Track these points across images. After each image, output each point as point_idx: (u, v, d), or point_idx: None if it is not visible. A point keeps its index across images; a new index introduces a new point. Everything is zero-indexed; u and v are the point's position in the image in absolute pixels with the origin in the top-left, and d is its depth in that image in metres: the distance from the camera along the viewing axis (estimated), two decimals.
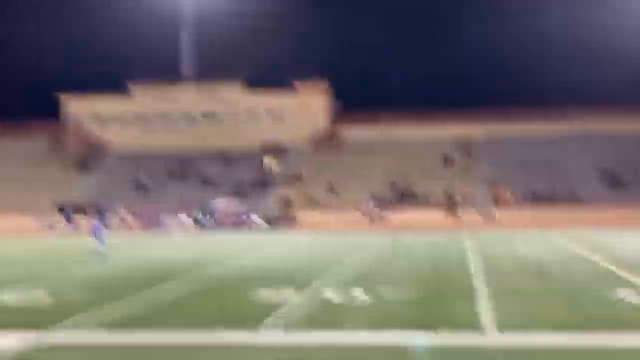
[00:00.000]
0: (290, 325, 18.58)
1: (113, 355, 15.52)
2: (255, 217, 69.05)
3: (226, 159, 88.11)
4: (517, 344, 16.06)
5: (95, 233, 35.74)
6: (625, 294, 22.74)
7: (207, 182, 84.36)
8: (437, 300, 22.51)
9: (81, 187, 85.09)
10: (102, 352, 15.87)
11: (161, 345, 16.38)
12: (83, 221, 67.39)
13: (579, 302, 21.73)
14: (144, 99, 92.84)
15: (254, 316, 19.80)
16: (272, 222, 68.94)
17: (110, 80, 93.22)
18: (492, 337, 16.81)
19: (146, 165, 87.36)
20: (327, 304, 22.05)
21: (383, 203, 76.32)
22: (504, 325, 17.91)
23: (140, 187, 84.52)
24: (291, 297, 23.05)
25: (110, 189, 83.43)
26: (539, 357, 14.88)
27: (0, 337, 17.38)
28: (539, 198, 76.03)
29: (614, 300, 21.90)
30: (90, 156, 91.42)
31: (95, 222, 40.61)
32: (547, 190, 76.53)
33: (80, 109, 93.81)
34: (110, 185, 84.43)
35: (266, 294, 23.75)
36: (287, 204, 78.98)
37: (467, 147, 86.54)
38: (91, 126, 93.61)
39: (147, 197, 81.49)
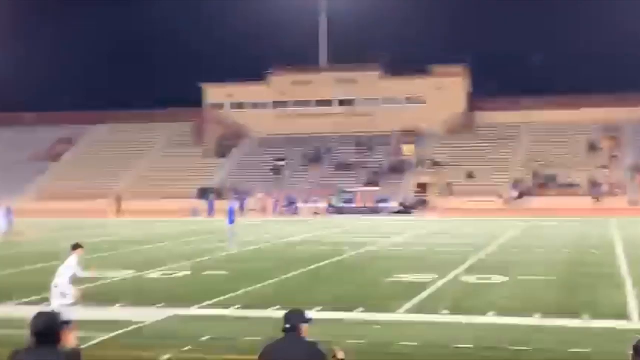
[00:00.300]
0: (433, 306, 18.56)
1: (256, 325, 15.90)
2: (391, 203, 68.92)
3: (362, 144, 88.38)
4: None
5: (230, 215, 36.49)
6: None
7: (343, 167, 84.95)
8: (581, 285, 21.90)
9: (220, 172, 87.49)
10: (241, 323, 16.30)
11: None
12: (222, 204, 69.28)
13: None
14: (281, 86, 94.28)
15: (396, 296, 19.86)
16: (408, 207, 68.59)
17: (248, 68, 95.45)
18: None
19: (283, 150, 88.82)
20: (468, 287, 21.86)
21: (523, 189, 74.71)
22: None
23: (277, 172, 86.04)
24: (432, 280, 22.97)
25: (248, 173, 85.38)
26: None
27: (146, 310, 18.19)
28: None
29: None
30: (229, 142, 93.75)
31: (230, 204, 41.48)
32: None
33: (220, 96, 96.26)
34: (248, 170, 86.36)
35: (407, 277, 23.75)
36: (424, 189, 78.52)
37: (613, 132, 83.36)
38: (230, 113, 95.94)
39: (284, 181, 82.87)
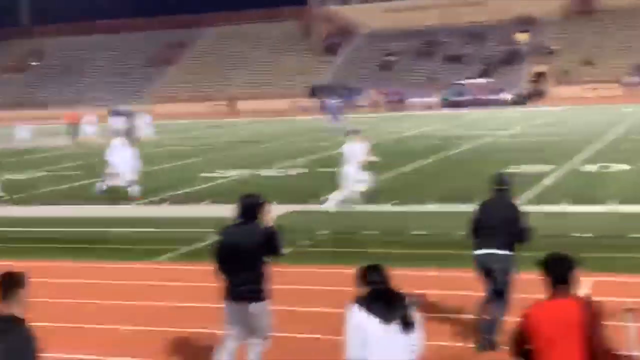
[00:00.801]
0: (552, 197, 18.32)
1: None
2: (505, 93, 67.34)
3: (474, 34, 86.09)
4: None
5: (332, 111, 36.14)
6: None
7: (454, 60, 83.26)
8: None
9: (329, 69, 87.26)
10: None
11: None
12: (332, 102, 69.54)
13: None
14: None
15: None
16: (523, 97, 66.90)
17: None
18: None
19: (392, 45, 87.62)
20: (588, 176, 21.41)
21: None
22: None
23: (387, 67, 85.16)
24: (551, 170, 22.59)
25: (357, 69, 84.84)
26: None
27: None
28: None
29: None
30: (337, 38, 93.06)
31: (332, 101, 41.08)
32: None
33: None
34: (358, 66, 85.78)
35: (525, 168, 23.41)
36: (539, 78, 76.35)
37: None
38: (337, 9, 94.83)
39: (394, 76, 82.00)
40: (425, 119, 52.75)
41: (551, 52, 79.64)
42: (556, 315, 5.34)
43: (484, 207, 8.85)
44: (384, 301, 5.64)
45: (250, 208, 7.75)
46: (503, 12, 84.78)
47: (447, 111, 61.51)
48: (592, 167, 22.91)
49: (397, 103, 69.88)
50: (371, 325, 5.55)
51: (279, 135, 42.42)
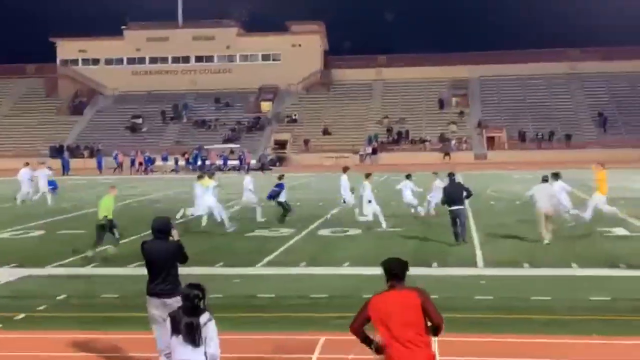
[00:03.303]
0: (291, 259, 19.10)
1: None
2: (249, 159, 69.04)
3: (220, 101, 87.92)
4: (500, 274, 16.88)
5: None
6: (611, 228, 23.32)
7: (201, 125, 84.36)
8: (433, 234, 22.93)
9: (75, 129, 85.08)
10: None
11: None
12: (75, 162, 67.75)
13: (571, 238, 22.15)
14: (137, 41, 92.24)
15: (256, 251, 20.27)
16: (266, 163, 68.95)
17: (103, 22, 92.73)
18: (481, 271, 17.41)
19: (140, 107, 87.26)
20: (324, 240, 22.53)
21: (377, 144, 76.61)
22: (490, 262, 18.45)
23: (134, 129, 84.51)
24: (290, 234, 23.53)
25: (103, 130, 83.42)
26: (516, 283, 15.36)
27: None
28: (532, 139, 76.42)
29: (604, 236, 22.39)
30: (83, 98, 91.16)
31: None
32: (540, 131, 76.82)
33: (73, 52, 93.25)
34: (104, 127, 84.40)
35: (265, 232, 24.19)
36: (282, 146, 79.21)
37: (461, 90, 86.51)
38: (85, 69, 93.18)
39: (141, 138, 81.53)
40: (170, 182, 52.79)
41: (294, 121, 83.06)
42: (398, 300, 6.97)
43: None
44: (184, 313, 7.36)
45: (164, 227, 9.94)
46: (248, 81, 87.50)
47: (193, 175, 61.81)
48: (326, 232, 24.15)
49: (144, 166, 69.24)
50: (170, 329, 7.42)
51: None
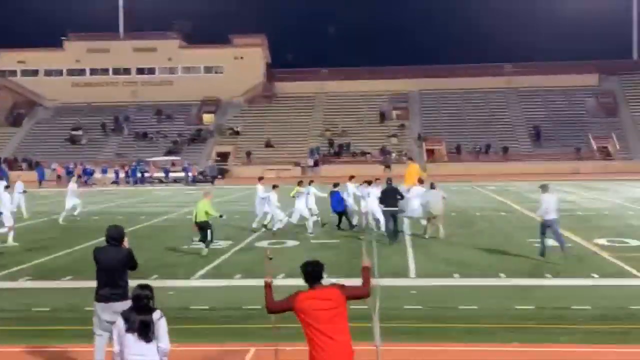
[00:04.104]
0: (227, 272, 19.24)
1: None
2: (190, 171, 68.84)
3: (162, 113, 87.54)
4: (430, 284, 17.31)
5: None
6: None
7: (142, 137, 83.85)
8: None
9: (13, 141, 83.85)
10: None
11: None
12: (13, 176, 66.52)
13: (501, 248, 22.72)
14: (77, 52, 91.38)
15: (191, 263, 20.36)
16: (211, 176, 68.78)
17: (43, 33, 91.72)
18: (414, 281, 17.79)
19: (80, 119, 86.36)
20: (260, 252, 22.70)
21: (319, 157, 77.07)
22: (422, 273, 18.86)
23: (74, 141, 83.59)
24: (228, 246, 23.68)
25: (42, 143, 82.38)
26: (445, 293, 15.77)
27: None
28: (469, 151, 77.72)
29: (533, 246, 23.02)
30: (21, 110, 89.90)
31: None
32: (478, 144, 78.17)
33: (11, 62, 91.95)
34: (43, 139, 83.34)
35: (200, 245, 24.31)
36: (224, 158, 79.14)
37: (402, 103, 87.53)
38: (23, 80, 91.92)
39: (81, 150, 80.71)
40: (110, 194, 52.43)
41: (236, 133, 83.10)
42: (322, 296, 7.78)
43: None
44: (136, 312, 7.88)
45: (117, 235, 10.47)
46: (190, 94, 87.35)
47: (132, 188, 61.57)
48: (264, 243, 24.34)
49: (82, 178, 68.47)
50: (122, 328, 7.87)
51: None
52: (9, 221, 24.64)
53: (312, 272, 7.97)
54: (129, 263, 10.46)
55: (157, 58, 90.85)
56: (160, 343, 7.85)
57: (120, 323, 7.90)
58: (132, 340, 7.78)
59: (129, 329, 7.81)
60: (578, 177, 62.07)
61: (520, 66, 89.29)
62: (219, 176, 69.18)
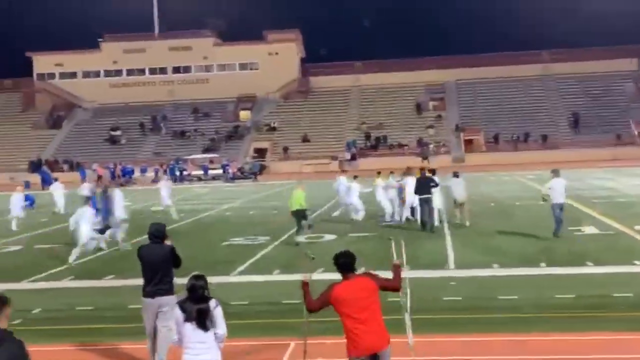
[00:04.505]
0: (266, 267, 19.38)
1: None
2: (229, 168, 69.27)
3: (199, 111, 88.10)
4: (470, 275, 17.24)
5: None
6: (585, 228, 23.82)
7: (180, 135, 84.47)
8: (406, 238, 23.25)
9: (53, 143, 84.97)
10: None
11: None
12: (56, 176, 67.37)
13: (540, 237, 22.54)
14: (113, 54, 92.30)
15: (232, 259, 20.52)
16: (250, 172, 69.11)
17: (78, 36, 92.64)
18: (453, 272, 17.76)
19: (118, 120, 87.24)
20: (300, 247, 22.82)
21: (356, 150, 77.02)
22: (461, 264, 18.79)
23: (113, 141, 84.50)
24: (266, 242, 23.83)
25: (82, 144, 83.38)
26: (484, 283, 15.70)
27: None
28: (509, 140, 77.07)
29: (574, 234, 22.84)
30: (60, 112, 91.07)
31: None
32: (516, 132, 77.48)
33: (49, 65, 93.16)
34: (83, 140, 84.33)
35: (241, 240, 24.50)
36: (261, 154, 79.44)
37: (438, 94, 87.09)
38: (62, 82, 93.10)
39: (120, 151, 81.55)
40: (150, 193, 52.87)
41: (273, 129, 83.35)
42: (357, 287, 8.14)
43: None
44: (192, 302, 8.15)
45: (160, 233, 10.96)
46: (226, 91, 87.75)
47: (173, 185, 61.97)
48: (301, 238, 24.43)
49: (123, 178, 69.27)
50: (181, 318, 8.13)
51: None
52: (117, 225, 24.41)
53: (344, 262, 8.34)
54: (173, 259, 10.86)
55: (192, 56, 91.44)
56: (218, 330, 8.16)
57: (178, 313, 8.17)
58: (190, 329, 8.06)
59: (187, 319, 8.08)
60: (618, 163, 61.25)
61: (557, 53, 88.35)
62: (259, 172, 69.51)
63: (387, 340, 8.17)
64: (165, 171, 67.88)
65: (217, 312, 8.22)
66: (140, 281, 11.13)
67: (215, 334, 8.16)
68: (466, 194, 26.02)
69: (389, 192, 28.08)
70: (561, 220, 22.12)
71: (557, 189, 22.17)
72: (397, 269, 8.66)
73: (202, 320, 8.07)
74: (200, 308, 8.10)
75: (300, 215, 23.53)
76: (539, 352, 11.13)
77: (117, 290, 17.20)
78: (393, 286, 8.49)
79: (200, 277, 8.32)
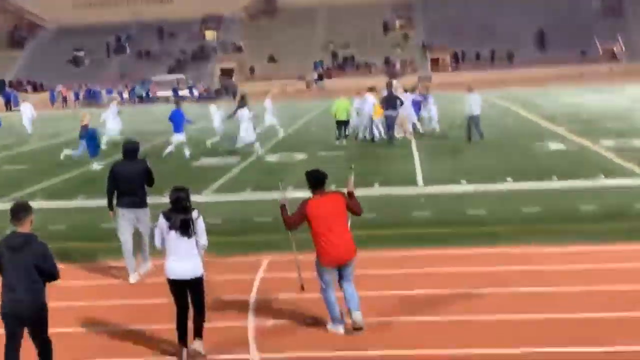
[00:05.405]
0: (238, 186, 19.50)
1: None
2: (194, 89, 68.73)
3: (164, 31, 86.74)
4: (438, 192, 17.55)
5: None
6: (549, 143, 24.20)
7: (145, 56, 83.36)
8: (375, 156, 23.50)
9: (15, 64, 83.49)
10: None
11: None
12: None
13: (507, 153, 22.89)
14: None
15: (202, 179, 20.61)
16: (213, 93, 68.64)
17: None
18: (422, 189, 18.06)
19: (82, 40, 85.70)
20: (269, 166, 22.96)
21: (323, 70, 76.67)
22: (429, 180, 19.08)
23: (77, 62, 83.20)
24: (237, 162, 23.93)
25: (45, 65, 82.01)
26: (457, 200, 16.00)
27: None
28: (477, 58, 77.13)
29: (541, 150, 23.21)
30: (23, 32, 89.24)
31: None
32: (483, 50, 77.46)
33: None
34: (46, 62, 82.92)
35: (212, 161, 24.57)
36: (227, 74, 78.79)
37: (405, 12, 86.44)
38: (22, 2, 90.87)
39: (84, 72, 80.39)
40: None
41: (239, 49, 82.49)
42: (329, 201, 8.87)
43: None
44: (176, 212, 8.55)
45: (135, 149, 11.64)
46: (191, 10, 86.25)
47: (139, 107, 61.56)
48: (273, 157, 24.57)
49: (89, 99, 68.51)
50: (165, 227, 8.56)
51: None
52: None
53: (316, 178, 9.00)
54: (147, 177, 11.55)
55: None
56: (200, 239, 8.59)
57: (163, 222, 8.58)
58: (174, 237, 8.49)
59: (171, 227, 8.49)
60: (583, 80, 61.70)
61: None
62: (222, 92, 68.84)
63: (354, 251, 8.93)
64: (119, 93, 67.28)
65: (199, 222, 8.64)
66: None
67: (197, 242, 8.55)
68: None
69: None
70: (479, 131, 25.83)
71: (473, 103, 25.69)
72: (352, 196, 9.15)
73: (186, 228, 8.48)
74: (184, 218, 8.50)
75: (344, 123, 26.71)
76: (506, 264, 11.45)
77: (90, 209, 17.26)
78: (358, 210, 9.14)
79: (183, 189, 8.68)
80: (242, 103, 25.09)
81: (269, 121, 29.61)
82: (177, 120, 25.33)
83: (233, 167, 22.91)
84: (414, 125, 28.15)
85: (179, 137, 25.28)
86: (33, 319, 7.28)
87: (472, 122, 26.03)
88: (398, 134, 26.98)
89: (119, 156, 11.96)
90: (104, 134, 28.85)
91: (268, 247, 12.86)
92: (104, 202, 12.08)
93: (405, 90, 28.82)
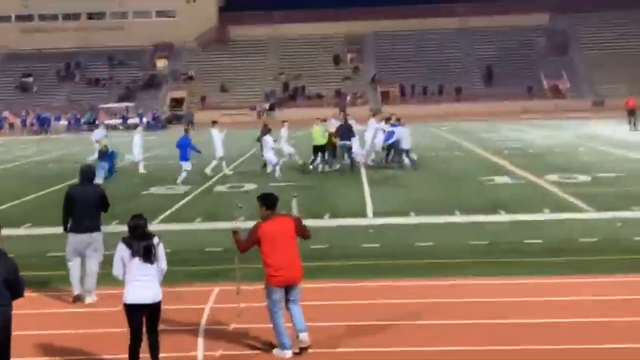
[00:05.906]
0: (188, 216, 19.46)
1: None
2: (144, 117, 68.32)
3: (114, 59, 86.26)
4: (388, 223, 17.76)
5: None
6: (495, 177, 24.66)
7: (95, 83, 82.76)
8: (326, 186, 23.68)
9: None
10: None
11: None
12: None
13: (455, 186, 23.25)
14: None
15: (153, 209, 20.51)
16: (162, 121, 68.37)
17: None
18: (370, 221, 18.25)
19: (31, 66, 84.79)
20: (220, 196, 22.98)
21: (274, 100, 76.92)
22: (379, 212, 19.27)
23: (25, 88, 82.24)
24: (186, 192, 23.89)
25: None
26: (406, 232, 16.22)
27: None
28: (424, 93, 78.18)
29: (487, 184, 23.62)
30: None
31: None
32: (432, 85, 78.57)
33: None
34: None
35: (162, 190, 24.49)
36: (178, 103, 78.59)
37: (355, 45, 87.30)
38: None
39: (33, 98, 79.45)
40: (64, 142, 51.99)
41: (190, 79, 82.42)
42: (280, 223, 9.19)
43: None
44: (136, 239, 8.71)
45: (91, 174, 12.15)
46: (142, 38, 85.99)
47: (86, 135, 60.97)
48: (222, 188, 24.60)
49: (36, 126, 67.69)
50: (127, 254, 8.69)
51: None
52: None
53: (269, 199, 9.35)
54: (103, 202, 11.95)
55: (106, 2, 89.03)
56: (161, 263, 8.83)
57: (124, 248, 8.73)
58: (136, 264, 8.65)
59: (134, 254, 8.66)
60: (529, 116, 62.94)
61: (472, 6, 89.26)
62: (173, 122, 68.59)
63: (300, 268, 9.30)
64: (69, 121, 66.71)
65: (160, 248, 8.87)
66: (56, 229, 11.40)
67: (158, 267, 8.78)
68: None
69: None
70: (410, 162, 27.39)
71: (404, 137, 27.34)
72: (300, 221, 9.53)
73: (148, 255, 8.70)
74: (146, 244, 8.71)
75: (319, 149, 27.30)
76: (454, 296, 11.64)
77: (36, 238, 17.09)
78: (307, 234, 9.59)
79: (141, 216, 8.91)
80: (265, 130, 26.86)
81: (287, 149, 29.98)
82: (183, 147, 25.85)
83: (183, 197, 22.88)
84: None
85: (185, 166, 25.64)
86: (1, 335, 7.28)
87: (399, 152, 27.74)
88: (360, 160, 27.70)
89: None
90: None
91: (217, 277, 12.90)
92: (52, 229, 12.07)
93: (384, 120, 30.18)
